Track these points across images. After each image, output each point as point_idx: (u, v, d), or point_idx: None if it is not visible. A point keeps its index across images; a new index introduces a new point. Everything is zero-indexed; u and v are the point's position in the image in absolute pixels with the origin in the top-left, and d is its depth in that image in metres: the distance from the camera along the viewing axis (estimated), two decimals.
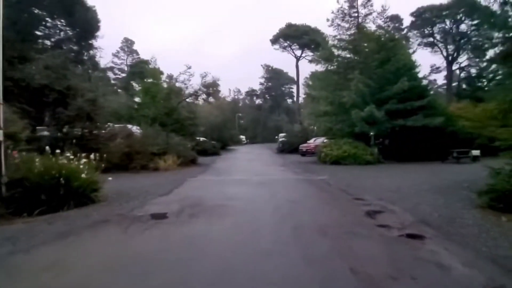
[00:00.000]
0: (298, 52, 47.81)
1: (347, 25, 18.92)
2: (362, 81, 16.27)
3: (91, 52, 20.96)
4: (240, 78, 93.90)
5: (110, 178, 7.35)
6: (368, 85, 16.45)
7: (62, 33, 19.55)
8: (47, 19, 19.51)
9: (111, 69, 56.19)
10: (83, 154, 7.32)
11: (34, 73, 12.64)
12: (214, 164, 18.57)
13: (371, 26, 19.03)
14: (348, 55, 19.23)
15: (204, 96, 18.14)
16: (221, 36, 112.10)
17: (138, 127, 18.10)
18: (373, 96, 16.89)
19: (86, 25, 18.91)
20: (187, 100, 21.06)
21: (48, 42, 20.00)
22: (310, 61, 45.61)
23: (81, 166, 6.76)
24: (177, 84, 18.52)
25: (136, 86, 31.14)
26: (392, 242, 4.17)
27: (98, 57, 21.92)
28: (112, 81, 53.93)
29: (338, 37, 19.19)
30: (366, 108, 15.62)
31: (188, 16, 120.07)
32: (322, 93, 18.65)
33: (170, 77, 18.04)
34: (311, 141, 27.03)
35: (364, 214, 5.72)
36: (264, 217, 5.53)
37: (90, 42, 20.22)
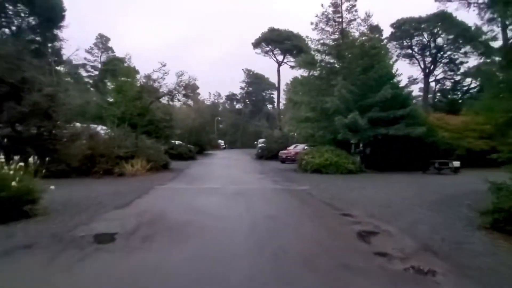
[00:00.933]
0: (280, 58, 47.45)
1: (331, 30, 18.44)
2: (346, 87, 15.72)
3: (55, 44, 19.21)
4: (220, 82, 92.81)
5: (52, 187, 6.03)
6: (352, 92, 15.92)
7: (23, 22, 17.65)
8: (7, 5, 17.61)
9: (83, 65, 53.31)
10: (17, 157, 5.98)
11: None
12: (188, 169, 17.33)
13: (355, 32, 18.67)
14: (331, 60, 18.72)
15: (180, 96, 16.80)
16: (203, 40, 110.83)
17: (104, 128, 16.55)
18: (356, 103, 16.38)
19: (49, 13, 17.11)
20: (162, 100, 19.56)
21: (7, 31, 18.14)
22: (292, 67, 45.41)
23: (12, 172, 5.45)
24: (151, 83, 17.06)
25: (108, 84, 29.35)
26: (398, 281, 3.27)
27: (64, 49, 20.14)
28: (85, 79, 51.30)
29: (322, 41, 18.65)
30: (350, 115, 15.03)
31: (170, 20, 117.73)
32: (305, 98, 17.96)
33: (147, 77, 16.60)
34: (291, 147, 26.37)
35: (356, 236, 4.84)
36: (237, 241, 4.50)
37: (54, 32, 18.46)
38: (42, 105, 12.60)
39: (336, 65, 18.14)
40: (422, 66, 42.87)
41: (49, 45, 18.65)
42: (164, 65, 16.18)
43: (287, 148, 26.56)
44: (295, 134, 26.86)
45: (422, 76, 43.22)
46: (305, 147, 22.53)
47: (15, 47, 12.67)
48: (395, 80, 18.68)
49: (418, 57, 43.28)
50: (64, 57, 20.20)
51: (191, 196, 8.24)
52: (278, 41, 44.15)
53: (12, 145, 12.58)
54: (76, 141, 13.72)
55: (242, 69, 69.85)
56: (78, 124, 14.64)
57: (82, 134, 14.13)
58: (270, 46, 46.07)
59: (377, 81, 16.74)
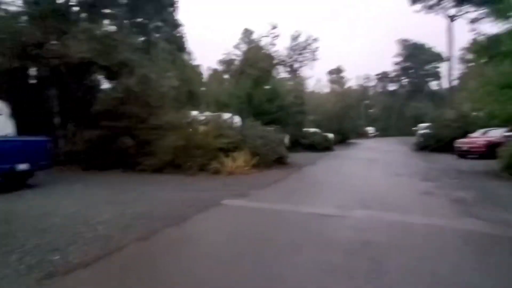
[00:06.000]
0: (452, 11, 34.44)
1: None
2: None
3: (178, 30, 18.64)
4: (371, 64, 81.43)
5: None
6: None
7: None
8: None
9: (233, 61, 56.86)
10: None
11: (71, 46, 10.07)
12: (311, 166, 12.71)
13: None
14: None
15: (298, 64, 12.27)
16: (348, 21, 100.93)
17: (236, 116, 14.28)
18: None
19: None
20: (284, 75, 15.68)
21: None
22: (473, 21, 31.99)
23: None
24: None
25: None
26: None
27: (184, 35, 19.37)
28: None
29: None
30: None
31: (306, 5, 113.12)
32: None
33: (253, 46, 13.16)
34: (476, 134, 17.21)
35: None
36: None
37: (174, 17, 17.81)
38: (135, 90, 11.00)
39: None
40: None
41: (173, 32, 18.22)
42: (275, 28, 12.01)
43: (469, 135, 17.54)
44: (485, 113, 17.31)
45: None
46: (507, 133, 13.87)
47: (111, 28, 11.54)
48: None
49: None
50: (183, 43, 19.60)
51: (251, 248, 3.65)
52: None
53: (108, 135, 11.75)
54: (174, 131, 11.65)
55: (397, 40, 57.55)
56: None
57: (181, 122, 11.98)
58: None
59: None
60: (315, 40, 11.08)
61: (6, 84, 12.56)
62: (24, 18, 12.30)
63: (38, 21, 11.28)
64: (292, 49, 11.34)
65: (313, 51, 11.02)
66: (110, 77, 11.16)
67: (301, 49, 11.05)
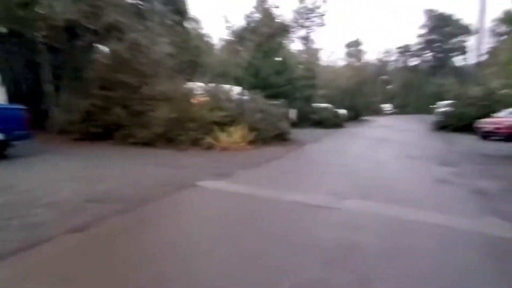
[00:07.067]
0: None
1: None
2: None
3: None
4: (393, 36, 76.53)
5: None
6: None
7: None
8: None
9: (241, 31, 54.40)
10: None
11: (56, 7, 9.10)
12: (316, 144, 11.77)
13: None
14: None
15: (305, 31, 10.97)
16: None
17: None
18: None
19: None
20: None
21: None
22: None
23: None
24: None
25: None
26: None
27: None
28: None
29: None
30: None
31: None
32: None
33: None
34: (502, 114, 15.57)
35: None
36: None
37: None
38: (124, 56, 10.09)
39: None
40: None
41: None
42: None
43: (492, 115, 15.91)
44: None
45: None
46: None
47: None
48: None
49: None
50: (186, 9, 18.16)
51: (195, 251, 2.86)
52: None
53: (102, 105, 11.00)
54: (167, 102, 10.80)
55: (423, 10, 53.31)
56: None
57: (175, 92, 11.09)
58: None
59: None
60: (324, 1, 9.78)
61: None
62: None
63: None
64: (298, 12, 10.00)
65: (321, 15, 9.75)
66: (101, 42, 10.23)
67: (308, 12, 9.72)
